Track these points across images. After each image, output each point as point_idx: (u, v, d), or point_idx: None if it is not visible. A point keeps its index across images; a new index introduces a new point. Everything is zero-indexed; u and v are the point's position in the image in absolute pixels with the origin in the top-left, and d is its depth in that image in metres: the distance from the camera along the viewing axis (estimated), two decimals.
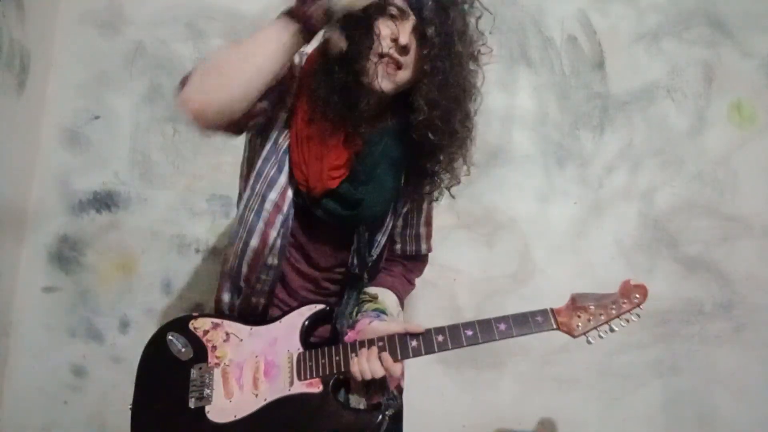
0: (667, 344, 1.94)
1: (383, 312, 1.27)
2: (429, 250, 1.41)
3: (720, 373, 1.93)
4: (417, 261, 1.43)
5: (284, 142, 1.18)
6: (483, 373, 1.94)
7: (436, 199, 1.32)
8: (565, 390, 1.93)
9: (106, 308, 1.95)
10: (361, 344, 1.16)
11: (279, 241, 1.20)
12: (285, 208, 1.19)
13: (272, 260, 1.21)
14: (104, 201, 1.99)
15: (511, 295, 1.96)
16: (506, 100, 2.02)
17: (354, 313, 1.28)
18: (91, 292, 1.96)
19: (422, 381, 1.91)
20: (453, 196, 1.28)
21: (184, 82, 1.13)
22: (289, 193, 1.18)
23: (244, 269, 1.23)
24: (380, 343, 1.15)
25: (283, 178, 1.18)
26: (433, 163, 1.21)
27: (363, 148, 1.18)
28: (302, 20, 1.00)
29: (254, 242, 1.20)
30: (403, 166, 1.23)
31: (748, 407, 1.92)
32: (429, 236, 1.40)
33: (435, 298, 1.96)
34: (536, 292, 1.96)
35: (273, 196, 1.18)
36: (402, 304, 1.37)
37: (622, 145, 2.01)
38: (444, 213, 1.99)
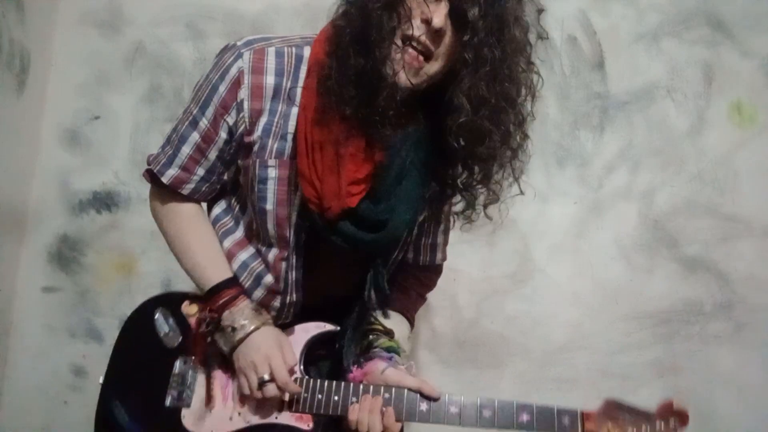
0: (667, 344, 1.94)
1: (396, 352, 1.14)
2: (444, 259, 1.28)
3: (720, 373, 1.93)
4: (431, 272, 1.29)
5: (257, 169, 1.02)
6: (483, 373, 1.94)
7: (469, 219, 1.10)
8: (565, 390, 1.93)
9: (106, 308, 1.95)
10: (366, 389, 1.05)
11: (294, 275, 1.07)
12: (291, 236, 1.04)
13: (290, 296, 1.09)
14: (104, 201, 1.98)
15: (511, 295, 1.96)
16: None
17: (364, 345, 1.14)
18: (91, 292, 1.96)
19: None
20: (490, 218, 1.10)
21: (153, 175, 1.12)
22: (292, 218, 1.03)
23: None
24: (387, 395, 1.04)
25: (270, 206, 1.02)
26: (466, 177, 1.02)
27: (385, 159, 0.98)
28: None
29: (267, 279, 1.09)
30: (428, 176, 1.03)
31: (748, 407, 1.91)
32: (445, 244, 1.27)
33: (435, 298, 1.95)
34: (536, 292, 1.96)
35: (271, 229, 1.04)
36: (412, 325, 1.25)
37: (622, 145, 2.01)
38: None
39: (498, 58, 0.88)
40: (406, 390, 1.04)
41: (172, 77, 2.02)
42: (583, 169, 2.00)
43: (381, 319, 1.16)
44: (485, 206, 1.08)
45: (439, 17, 0.86)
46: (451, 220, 1.19)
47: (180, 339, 1.14)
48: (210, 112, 1.03)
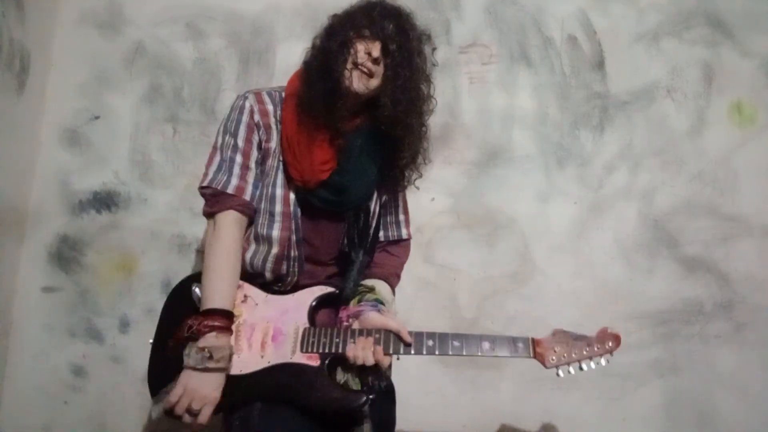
0: (667, 344, 1.94)
1: (381, 302, 1.42)
2: (409, 236, 1.61)
3: (720, 373, 1.93)
4: (399, 246, 1.60)
5: (274, 162, 1.41)
6: (483, 373, 1.94)
7: (405, 188, 1.55)
8: (565, 390, 1.93)
9: (106, 308, 1.95)
10: (360, 332, 1.32)
11: (294, 236, 1.40)
12: (292, 210, 1.41)
13: (291, 252, 1.40)
14: (104, 201, 1.99)
15: (511, 295, 1.96)
16: (506, 100, 2.02)
17: (356, 302, 1.43)
18: (91, 292, 1.96)
19: (422, 381, 1.91)
20: (417, 188, 1.51)
21: (213, 198, 1.41)
22: (291, 196, 1.41)
23: (268, 275, 1.41)
24: (377, 335, 1.31)
25: (279, 190, 1.40)
26: (399, 158, 1.44)
27: (344, 145, 1.39)
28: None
29: (275, 250, 1.39)
30: (378, 159, 1.45)
31: (748, 407, 1.92)
32: (407, 223, 1.61)
33: (435, 298, 1.96)
34: (536, 292, 1.96)
35: (278, 208, 1.40)
36: (393, 292, 1.53)
37: (622, 145, 2.01)
38: (444, 213, 1.99)
39: (407, 75, 1.35)
40: (391, 332, 1.31)
41: (172, 77, 2.02)
42: (583, 169, 2.01)
43: (365, 282, 1.47)
44: (413, 180, 1.50)
45: (377, 51, 1.32)
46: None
47: None
48: (242, 135, 1.42)
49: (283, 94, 1.47)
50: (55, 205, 1.98)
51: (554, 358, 1.33)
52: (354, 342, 1.31)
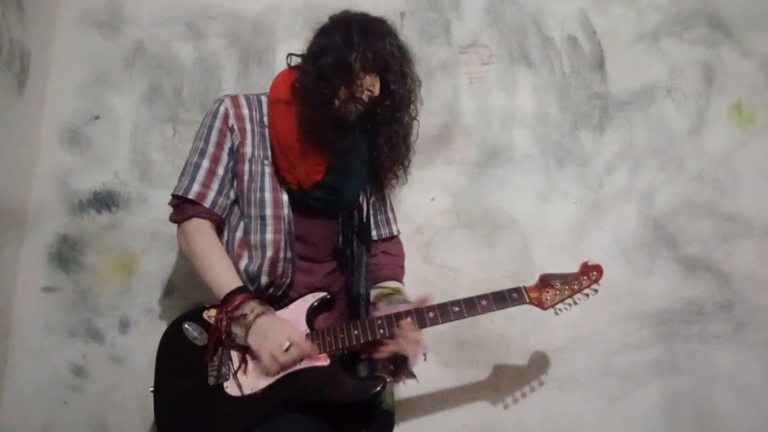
0: (667, 344, 1.94)
1: (407, 300, 1.52)
2: (398, 231, 1.69)
3: (720, 373, 1.93)
4: (393, 243, 1.68)
5: (258, 168, 1.45)
6: (483, 373, 1.94)
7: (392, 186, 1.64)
8: (565, 390, 1.93)
9: (106, 308, 1.95)
10: (362, 322, 1.38)
11: (286, 237, 1.44)
12: (284, 212, 1.44)
13: (286, 254, 1.44)
14: (104, 201, 1.99)
15: None
16: (506, 100, 2.02)
17: (386, 303, 1.50)
18: (91, 292, 1.96)
19: (422, 381, 1.91)
20: (394, 186, 1.62)
21: (177, 208, 1.46)
22: (283, 198, 1.45)
23: (264, 279, 1.43)
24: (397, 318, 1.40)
25: (269, 194, 1.44)
26: (385, 155, 1.52)
27: (335, 148, 1.44)
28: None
29: (270, 253, 1.42)
30: (367, 160, 1.52)
31: (748, 407, 1.92)
32: (395, 220, 1.69)
33: (436, 298, 1.95)
34: None
35: (269, 211, 1.43)
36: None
37: (622, 145, 2.02)
38: (444, 213, 1.99)
39: (404, 117, 1.48)
40: (402, 312, 1.40)
41: (172, 77, 2.02)
42: (583, 169, 2.01)
43: (386, 284, 1.57)
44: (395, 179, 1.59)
45: (377, 89, 1.40)
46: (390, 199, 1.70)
47: (207, 338, 1.39)
48: (213, 141, 1.45)
49: (263, 98, 1.50)
50: (55, 205, 1.98)
51: (548, 299, 1.41)
52: (362, 330, 1.37)
